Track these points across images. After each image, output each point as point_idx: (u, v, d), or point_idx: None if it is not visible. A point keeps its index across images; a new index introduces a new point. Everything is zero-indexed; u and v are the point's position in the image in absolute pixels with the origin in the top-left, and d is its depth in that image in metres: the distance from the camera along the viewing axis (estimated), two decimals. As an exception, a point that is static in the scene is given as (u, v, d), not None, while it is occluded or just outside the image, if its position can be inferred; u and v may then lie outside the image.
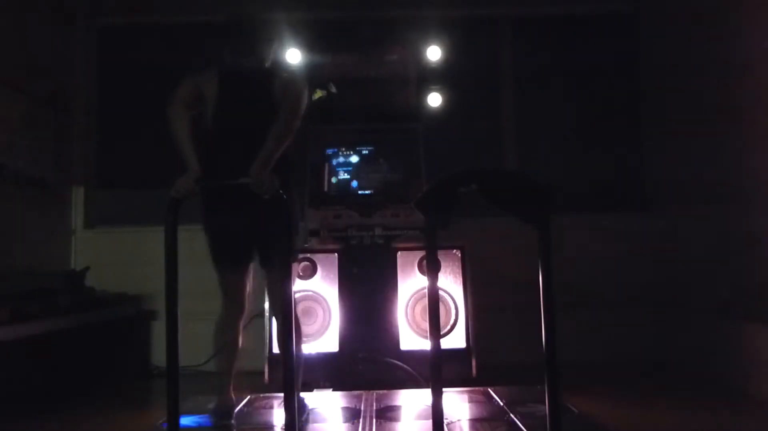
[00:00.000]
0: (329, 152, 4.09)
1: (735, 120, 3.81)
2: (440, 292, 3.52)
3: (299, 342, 3.05)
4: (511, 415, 2.99)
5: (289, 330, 2.45)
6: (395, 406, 3.27)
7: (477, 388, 3.56)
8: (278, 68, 3.15)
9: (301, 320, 3.47)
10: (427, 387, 2.29)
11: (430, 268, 2.24)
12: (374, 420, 2.98)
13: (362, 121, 4.10)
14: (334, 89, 4.10)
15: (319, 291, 3.79)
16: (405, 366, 3.64)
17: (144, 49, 5.07)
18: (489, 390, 3.50)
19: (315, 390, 3.55)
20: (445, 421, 2.68)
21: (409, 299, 3.80)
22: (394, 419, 3.05)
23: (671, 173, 4.66)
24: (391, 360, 3.66)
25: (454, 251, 3.80)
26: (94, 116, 5.07)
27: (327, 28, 4.84)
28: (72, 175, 4.87)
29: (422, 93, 4.26)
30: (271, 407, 3.30)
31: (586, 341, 4.26)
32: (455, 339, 3.75)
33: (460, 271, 3.78)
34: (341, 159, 4.08)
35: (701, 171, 4.22)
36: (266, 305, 3.43)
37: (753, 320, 3.56)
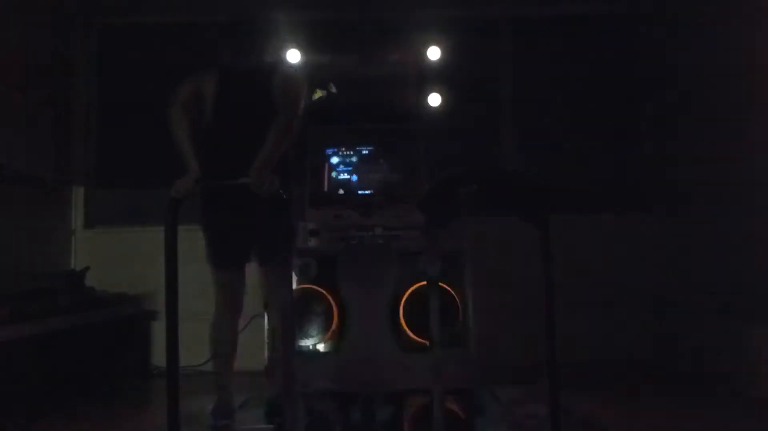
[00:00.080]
0: (329, 151, 4.08)
1: (735, 120, 3.81)
2: (440, 292, 3.51)
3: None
4: (512, 415, 2.99)
5: (289, 330, 2.45)
6: (395, 406, 3.26)
7: (477, 388, 3.55)
8: (277, 67, 3.15)
9: (301, 320, 3.46)
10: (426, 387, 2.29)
11: (431, 268, 2.24)
12: (374, 420, 2.97)
13: (362, 121, 4.09)
14: (334, 89, 4.10)
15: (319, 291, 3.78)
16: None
17: (144, 49, 5.06)
18: (489, 390, 3.50)
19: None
20: (446, 421, 2.67)
21: (409, 299, 3.79)
22: (394, 419, 3.04)
23: (671, 173, 4.67)
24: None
25: (455, 251, 3.79)
26: (94, 116, 5.07)
27: (327, 28, 4.84)
28: (72, 175, 4.87)
29: (422, 93, 4.26)
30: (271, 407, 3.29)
31: (586, 341, 4.26)
32: (455, 339, 3.74)
33: (460, 271, 3.77)
34: (341, 159, 4.07)
35: (701, 171, 4.22)
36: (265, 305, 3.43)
37: (753, 320, 3.56)
